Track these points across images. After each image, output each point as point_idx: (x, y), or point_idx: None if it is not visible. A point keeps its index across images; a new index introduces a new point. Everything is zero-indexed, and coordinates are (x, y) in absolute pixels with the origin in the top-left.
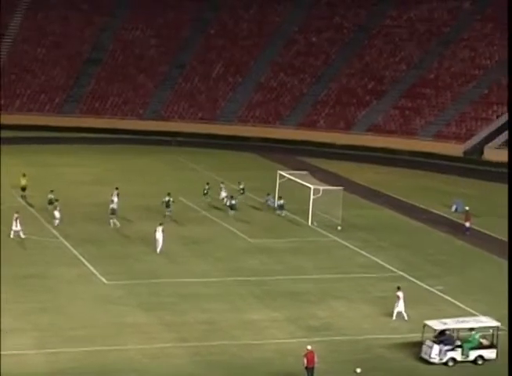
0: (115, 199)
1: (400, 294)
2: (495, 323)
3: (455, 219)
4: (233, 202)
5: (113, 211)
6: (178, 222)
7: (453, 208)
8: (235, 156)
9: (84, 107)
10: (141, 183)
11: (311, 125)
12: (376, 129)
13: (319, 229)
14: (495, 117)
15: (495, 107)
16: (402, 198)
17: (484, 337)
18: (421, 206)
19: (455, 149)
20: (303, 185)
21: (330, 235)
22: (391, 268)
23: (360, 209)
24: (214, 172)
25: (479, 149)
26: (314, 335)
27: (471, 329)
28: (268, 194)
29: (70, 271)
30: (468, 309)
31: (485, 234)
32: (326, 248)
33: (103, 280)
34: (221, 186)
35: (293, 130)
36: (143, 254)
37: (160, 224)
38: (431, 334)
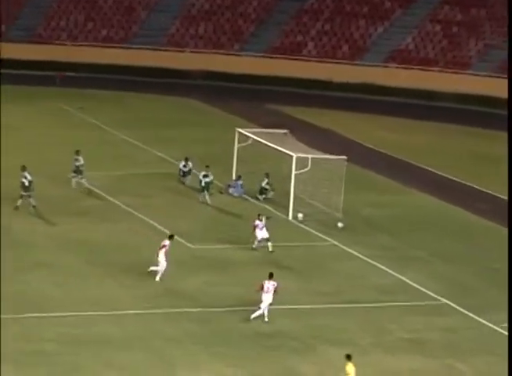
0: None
1: (270, 284)
2: None
3: None
4: None
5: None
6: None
7: None
8: (162, 102)
9: None
10: None
11: (292, 51)
12: (400, 57)
13: (306, 227)
14: None
15: None
16: (446, 174)
17: None
18: (479, 188)
19: None
20: (279, 151)
21: (326, 237)
22: (428, 292)
23: (376, 193)
24: (127, 132)
25: None
26: None
27: None
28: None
29: None
30: None
31: None
32: (318, 259)
33: None
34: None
35: (262, 59)
36: None
37: (171, 236)
38: None
